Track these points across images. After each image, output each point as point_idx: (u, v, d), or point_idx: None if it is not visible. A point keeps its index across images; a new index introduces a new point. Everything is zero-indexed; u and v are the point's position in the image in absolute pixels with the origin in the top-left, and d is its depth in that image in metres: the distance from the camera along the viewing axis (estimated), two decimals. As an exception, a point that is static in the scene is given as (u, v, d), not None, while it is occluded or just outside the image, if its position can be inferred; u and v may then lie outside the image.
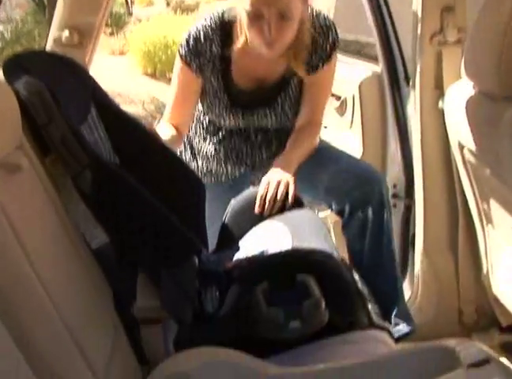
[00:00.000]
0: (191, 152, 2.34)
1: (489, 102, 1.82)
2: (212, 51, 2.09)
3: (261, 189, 1.93)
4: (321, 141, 2.25)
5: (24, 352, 1.02)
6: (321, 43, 2.10)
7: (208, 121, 2.26)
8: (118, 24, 11.88)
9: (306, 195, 2.09)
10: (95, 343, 1.28)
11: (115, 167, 1.54)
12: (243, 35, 2.02)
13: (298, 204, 1.93)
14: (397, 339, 1.95)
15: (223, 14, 2.09)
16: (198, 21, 2.13)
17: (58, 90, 1.43)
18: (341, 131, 2.74)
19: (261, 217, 1.93)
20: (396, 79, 2.49)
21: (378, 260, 2.10)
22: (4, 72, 1.46)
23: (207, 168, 2.30)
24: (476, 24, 1.80)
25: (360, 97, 2.56)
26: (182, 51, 2.10)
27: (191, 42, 2.08)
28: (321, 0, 3.20)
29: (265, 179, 1.96)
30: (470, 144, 1.94)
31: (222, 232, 1.99)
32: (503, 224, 2.00)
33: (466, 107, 1.92)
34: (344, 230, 2.12)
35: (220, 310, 1.57)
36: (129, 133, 1.68)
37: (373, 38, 2.60)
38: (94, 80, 1.64)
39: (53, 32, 2.12)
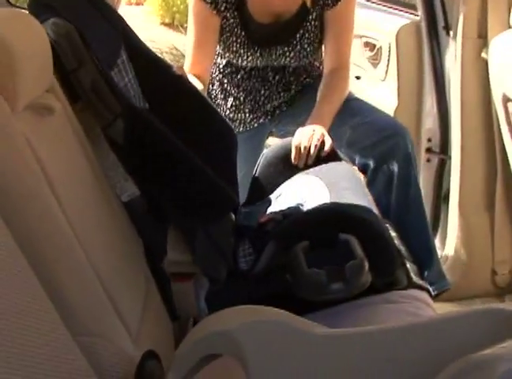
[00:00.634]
0: (210, 100, 2.26)
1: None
2: None
3: (295, 140, 1.85)
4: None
5: (56, 306, 0.96)
6: None
7: (225, 64, 2.19)
8: (134, -27, 11.66)
9: None
10: (127, 298, 1.23)
11: (149, 115, 1.46)
12: None
13: (334, 157, 1.85)
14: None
15: None
16: None
17: (88, 32, 1.35)
18: (375, 82, 2.64)
19: (294, 169, 1.85)
20: (435, 28, 2.37)
21: (406, 217, 2.02)
22: (29, 12, 1.37)
23: (225, 116, 2.24)
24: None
25: (397, 46, 2.44)
26: None
27: None
28: None
29: (299, 131, 1.88)
30: (517, 97, 1.85)
31: (253, 184, 1.91)
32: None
33: (514, 58, 1.83)
34: (370, 186, 2.05)
35: (255, 268, 1.50)
36: (161, 78, 1.60)
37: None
38: (125, 22, 1.55)
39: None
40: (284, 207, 1.70)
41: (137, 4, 10.70)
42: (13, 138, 1.01)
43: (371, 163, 2.01)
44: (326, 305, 1.43)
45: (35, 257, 0.96)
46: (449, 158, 2.41)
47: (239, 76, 2.19)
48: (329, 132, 1.92)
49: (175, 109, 1.59)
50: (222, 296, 1.50)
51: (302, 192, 1.74)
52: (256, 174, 1.92)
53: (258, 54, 2.09)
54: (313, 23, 2.06)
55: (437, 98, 2.42)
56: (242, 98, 2.21)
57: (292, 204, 1.70)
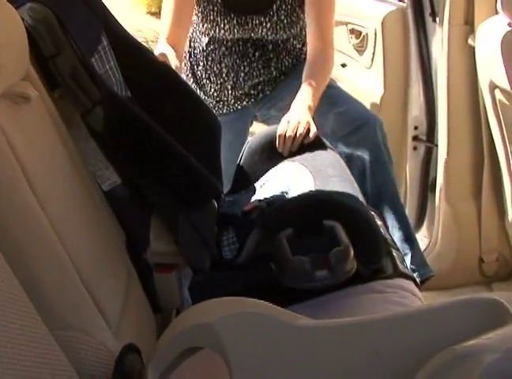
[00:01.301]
0: (194, 80, 2.29)
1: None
2: None
3: (280, 128, 1.83)
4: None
5: (33, 299, 0.94)
6: None
7: (208, 41, 2.20)
8: (121, -40, 11.56)
9: None
10: (108, 290, 1.20)
11: (129, 103, 1.43)
12: None
13: (319, 144, 1.83)
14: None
15: None
16: None
17: (67, 17, 1.31)
18: (361, 70, 2.62)
19: (279, 157, 1.83)
20: (421, 14, 2.35)
21: (382, 206, 2.03)
22: (4, -3, 1.33)
23: (209, 96, 2.26)
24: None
25: (383, 33, 2.42)
26: None
27: None
28: None
29: (284, 118, 1.86)
30: (503, 83, 1.83)
31: (238, 173, 1.89)
32: (534, 170, 1.92)
33: (501, 45, 1.81)
34: None
35: (239, 257, 1.48)
36: (143, 66, 1.57)
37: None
38: (106, 9, 1.52)
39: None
40: (268, 195, 1.68)
41: (124, -8, 10.63)
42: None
43: (346, 153, 2.01)
44: (311, 295, 1.41)
45: (10, 249, 0.94)
46: (436, 146, 2.39)
47: (220, 53, 2.21)
48: (313, 118, 1.90)
49: (157, 97, 1.56)
50: (206, 286, 1.48)
51: (287, 180, 1.72)
52: (240, 163, 1.90)
53: (235, 22, 2.11)
54: None
55: (423, 85, 2.41)
56: (224, 74, 2.23)
57: (277, 192, 1.68)
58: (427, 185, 2.53)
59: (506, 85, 1.83)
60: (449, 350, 0.79)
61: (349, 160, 1.99)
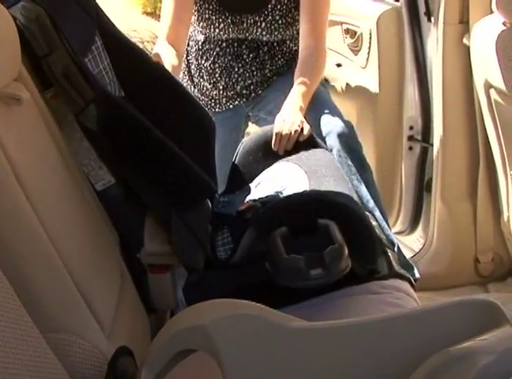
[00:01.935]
0: (189, 78, 2.29)
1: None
2: None
3: (276, 127, 1.82)
4: None
5: (24, 302, 0.93)
6: None
7: (203, 40, 2.20)
8: (116, -40, 11.54)
9: None
10: (101, 291, 1.20)
11: (122, 102, 1.42)
12: None
13: (313, 144, 1.82)
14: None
15: None
16: None
17: (60, 16, 1.31)
18: (356, 70, 2.61)
19: (274, 157, 1.82)
20: (416, 14, 2.35)
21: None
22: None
23: (202, 93, 2.26)
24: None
25: (378, 33, 2.41)
26: None
27: None
28: None
29: (279, 118, 1.85)
30: (499, 83, 1.83)
31: (232, 173, 1.88)
32: (529, 170, 1.91)
33: (496, 44, 1.80)
34: None
35: (234, 257, 1.48)
36: (136, 65, 1.57)
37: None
38: (99, 7, 1.51)
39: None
40: (263, 195, 1.68)
41: (120, -8, 10.61)
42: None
43: None
44: (307, 296, 1.40)
45: (0, 250, 0.93)
46: (432, 145, 2.39)
47: (214, 53, 2.20)
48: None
49: (151, 96, 1.56)
50: (200, 287, 1.47)
51: (281, 179, 1.71)
52: (235, 163, 1.89)
53: (230, 21, 2.11)
54: None
55: (419, 85, 2.40)
56: (217, 74, 2.22)
57: (272, 191, 1.67)
58: (422, 185, 2.52)
59: (501, 85, 1.82)
60: (444, 351, 0.78)
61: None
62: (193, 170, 1.39)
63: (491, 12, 1.93)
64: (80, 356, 1.02)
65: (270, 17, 2.10)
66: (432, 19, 2.24)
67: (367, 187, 1.88)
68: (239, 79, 2.21)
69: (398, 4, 2.43)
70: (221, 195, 1.80)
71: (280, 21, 2.10)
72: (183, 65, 2.27)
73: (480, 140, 2.20)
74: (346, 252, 1.33)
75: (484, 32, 1.91)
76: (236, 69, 2.20)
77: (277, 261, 1.33)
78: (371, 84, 2.51)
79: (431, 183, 2.37)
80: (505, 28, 1.81)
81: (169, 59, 1.89)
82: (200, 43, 2.22)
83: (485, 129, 2.09)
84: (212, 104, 2.27)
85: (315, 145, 1.82)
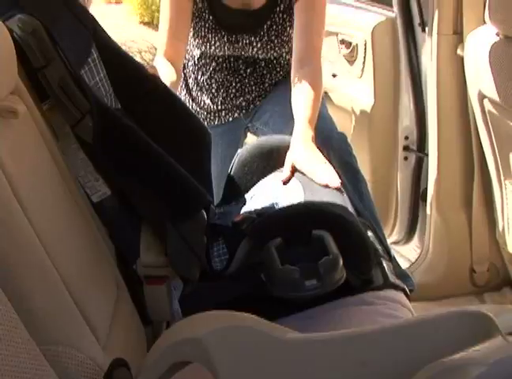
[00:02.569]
0: (187, 92, 2.30)
1: (516, 49, 1.71)
2: None
3: (319, 179, 1.67)
4: None
5: (20, 314, 0.93)
6: None
7: (200, 55, 2.21)
8: (113, -29, 11.57)
9: None
10: (96, 303, 1.19)
11: (118, 114, 1.43)
12: None
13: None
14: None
15: None
16: None
17: (56, 29, 1.31)
18: (351, 80, 2.62)
19: (269, 169, 1.83)
20: (410, 24, 2.37)
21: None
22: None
23: (200, 108, 2.26)
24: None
25: (373, 43, 2.44)
26: None
27: None
28: None
29: (308, 164, 1.71)
30: (492, 93, 1.84)
31: (228, 184, 1.89)
32: (524, 180, 1.92)
33: (489, 55, 1.81)
34: None
35: (229, 268, 1.48)
36: (132, 77, 1.57)
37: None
38: (95, 19, 1.52)
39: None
40: (258, 206, 1.68)
41: (117, 3, 10.61)
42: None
43: None
44: (302, 307, 1.41)
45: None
46: (427, 155, 2.40)
47: (211, 68, 2.21)
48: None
49: (146, 108, 1.56)
50: (196, 298, 1.47)
51: (276, 191, 1.72)
52: (231, 174, 1.89)
53: (225, 40, 2.10)
54: (281, 15, 2.07)
55: (413, 95, 2.42)
56: (214, 90, 2.23)
57: (267, 203, 1.68)
58: (418, 195, 2.54)
59: (494, 95, 1.83)
60: (438, 362, 0.78)
61: None
62: (188, 181, 1.40)
63: (485, 23, 1.94)
64: (76, 368, 1.02)
65: (266, 38, 2.10)
66: (426, 29, 2.26)
67: (361, 198, 1.88)
68: (237, 94, 2.22)
69: (393, 15, 2.44)
70: (217, 206, 1.81)
71: (275, 41, 2.11)
72: (182, 79, 2.28)
73: (474, 150, 2.21)
74: (341, 263, 1.34)
75: (478, 43, 1.92)
76: (234, 84, 2.21)
77: (272, 272, 1.34)
78: (367, 94, 2.52)
79: (427, 193, 2.38)
80: (498, 38, 1.82)
81: (167, 75, 1.89)
82: (196, 58, 2.22)
83: (479, 139, 2.11)
84: (211, 118, 2.27)
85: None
